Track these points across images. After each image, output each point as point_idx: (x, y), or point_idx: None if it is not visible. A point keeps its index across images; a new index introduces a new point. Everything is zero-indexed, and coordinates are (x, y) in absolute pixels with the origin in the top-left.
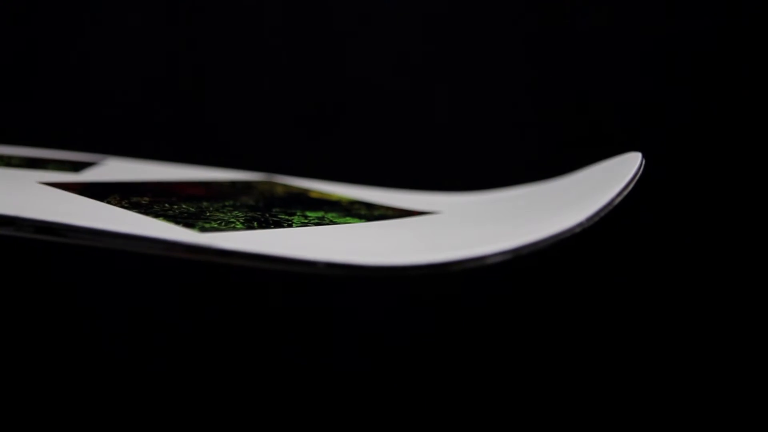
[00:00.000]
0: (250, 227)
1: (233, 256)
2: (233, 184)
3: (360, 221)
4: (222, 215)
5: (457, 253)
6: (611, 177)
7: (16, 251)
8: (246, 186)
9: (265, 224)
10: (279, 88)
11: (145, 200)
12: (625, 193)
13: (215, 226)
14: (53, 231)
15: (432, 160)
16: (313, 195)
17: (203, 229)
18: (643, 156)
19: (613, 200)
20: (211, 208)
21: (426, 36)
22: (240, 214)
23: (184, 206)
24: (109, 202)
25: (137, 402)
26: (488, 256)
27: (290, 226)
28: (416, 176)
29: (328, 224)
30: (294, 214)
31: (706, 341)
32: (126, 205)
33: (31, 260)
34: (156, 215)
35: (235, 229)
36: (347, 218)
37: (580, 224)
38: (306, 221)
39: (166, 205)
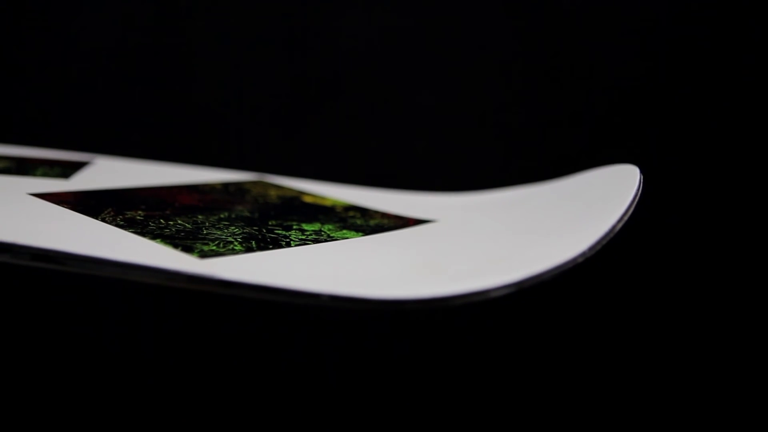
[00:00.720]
0: (249, 248)
1: (236, 287)
2: (226, 188)
3: (357, 235)
4: (219, 233)
5: (461, 287)
6: (610, 196)
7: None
8: (238, 190)
9: (263, 243)
10: (264, 81)
11: (140, 215)
12: (626, 218)
13: (214, 248)
14: (51, 259)
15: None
16: (306, 199)
17: (202, 253)
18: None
19: (614, 227)
20: (207, 224)
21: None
22: (237, 230)
23: (180, 222)
24: (104, 219)
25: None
26: (492, 290)
27: (288, 244)
28: (406, 174)
29: (325, 239)
30: (291, 228)
31: (705, 342)
32: (121, 222)
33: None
34: (153, 236)
35: (234, 251)
36: (344, 231)
37: (583, 254)
38: (304, 237)
39: (161, 221)
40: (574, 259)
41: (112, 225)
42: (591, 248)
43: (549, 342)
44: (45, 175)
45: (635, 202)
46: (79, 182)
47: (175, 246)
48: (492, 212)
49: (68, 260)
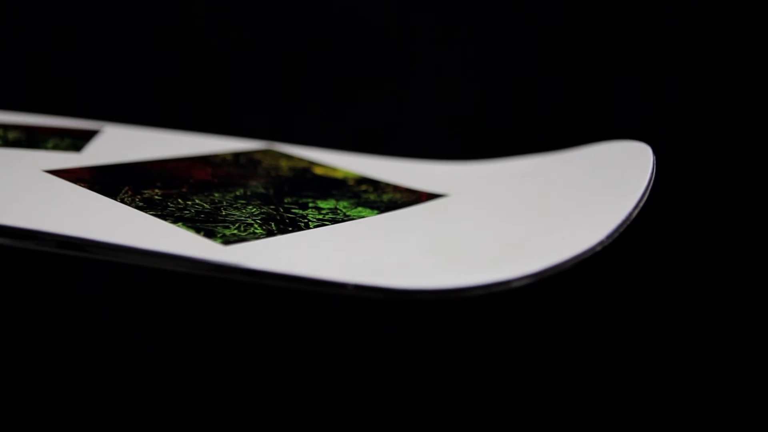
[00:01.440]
0: (270, 231)
1: (262, 275)
2: (237, 160)
3: (372, 213)
4: (237, 213)
5: (482, 278)
6: (625, 177)
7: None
8: (250, 161)
9: (282, 225)
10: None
11: (157, 195)
12: (642, 204)
13: (235, 232)
14: (77, 246)
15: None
16: (317, 171)
17: (225, 239)
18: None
19: (631, 213)
20: (224, 203)
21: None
22: (255, 210)
23: (198, 201)
24: (122, 200)
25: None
26: (513, 280)
27: (307, 225)
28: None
29: (342, 219)
30: (307, 207)
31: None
32: (141, 203)
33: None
34: (174, 219)
35: (255, 234)
36: (359, 209)
37: (601, 243)
38: (321, 217)
39: (180, 201)
40: (593, 248)
41: (132, 206)
42: (609, 236)
43: (558, 333)
44: (56, 147)
45: (651, 185)
46: (91, 156)
47: (197, 231)
48: (503, 186)
49: (94, 248)
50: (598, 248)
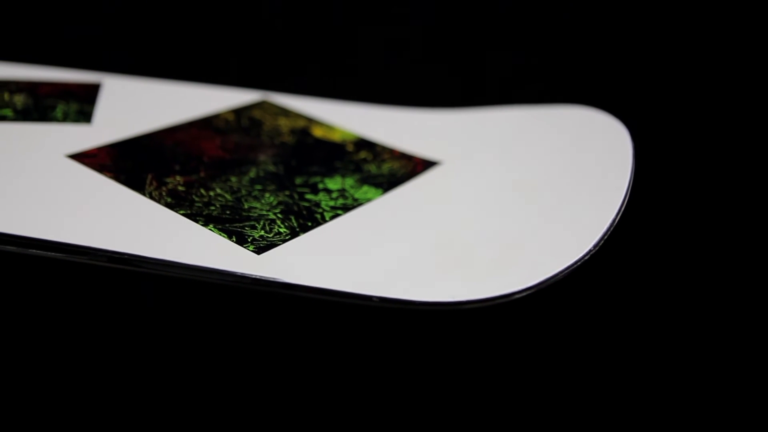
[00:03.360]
0: (292, 229)
1: (296, 288)
2: (239, 122)
3: (377, 193)
4: (258, 206)
5: (489, 291)
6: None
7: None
8: (251, 122)
9: (301, 218)
10: None
11: (180, 185)
12: (623, 209)
13: (263, 234)
14: (127, 261)
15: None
16: (317, 133)
17: (256, 244)
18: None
19: (614, 220)
20: (243, 191)
21: None
22: (272, 199)
23: (219, 192)
24: (151, 195)
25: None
26: (515, 292)
27: (323, 216)
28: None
29: (351, 204)
30: (318, 190)
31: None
32: (168, 199)
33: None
34: (204, 219)
35: (280, 234)
36: (364, 188)
37: (589, 252)
38: (333, 203)
39: (202, 191)
40: (583, 257)
41: (162, 204)
42: (596, 245)
43: (556, 333)
44: (66, 117)
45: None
46: (102, 128)
47: (229, 235)
48: (489, 154)
49: (143, 263)
50: (587, 257)
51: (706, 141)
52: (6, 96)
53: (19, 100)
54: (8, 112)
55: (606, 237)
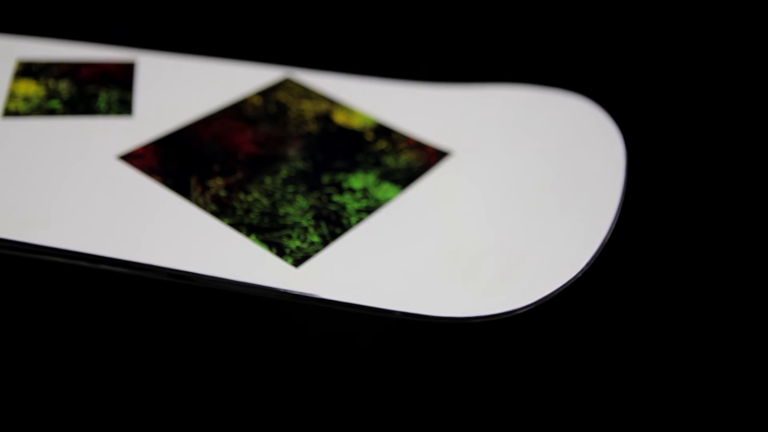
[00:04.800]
0: (323, 237)
1: (332, 303)
2: (265, 107)
3: (395, 191)
4: (292, 211)
5: (495, 307)
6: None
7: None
8: (278, 107)
9: (330, 224)
10: None
11: (221, 190)
12: (612, 228)
13: (299, 244)
14: (186, 278)
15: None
16: (338, 119)
17: (294, 256)
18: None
19: (605, 240)
20: (277, 194)
21: None
22: (304, 203)
23: (256, 197)
24: (197, 201)
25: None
26: (519, 309)
27: (348, 222)
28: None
29: (373, 205)
30: (343, 190)
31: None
32: (212, 205)
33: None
34: (247, 229)
35: (314, 245)
36: (384, 186)
37: (582, 270)
38: (357, 206)
39: (242, 196)
40: (577, 276)
41: (208, 212)
42: (588, 263)
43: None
44: (109, 108)
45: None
46: (142, 121)
47: (270, 247)
48: (498, 146)
49: (200, 279)
50: (580, 275)
51: (702, 138)
52: (51, 83)
53: (64, 88)
54: (56, 104)
55: (593, 260)
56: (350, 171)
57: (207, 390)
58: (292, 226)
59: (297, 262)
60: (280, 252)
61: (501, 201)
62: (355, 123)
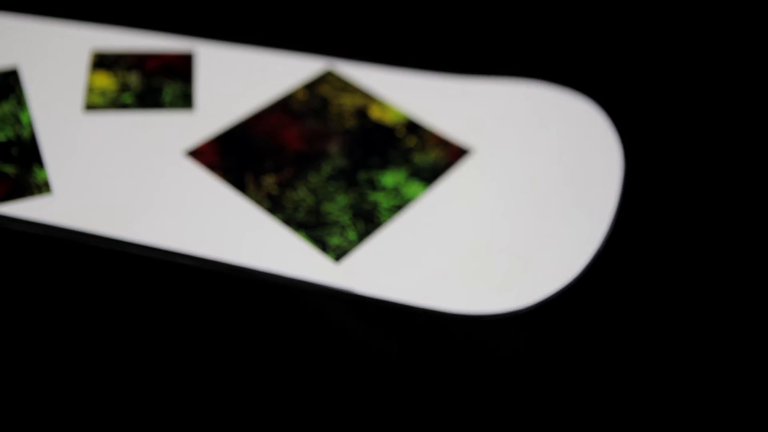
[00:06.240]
0: (360, 233)
1: (365, 299)
2: (309, 102)
3: (421, 188)
4: (333, 209)
5: (502, 305)
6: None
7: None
8: (320, 102)
9: (365, 221)
10: None
11: (273, 188)
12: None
13: (338, 242)
14: (244, 272)
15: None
16: (374, 115)
17: (334, 252)
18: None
19: (605, 240)
20: (320, 193)
21: None
22: (343, 201)
23: (302, 196)
24: (252, 197)
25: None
26: (525, 308)
27: (380, 221)
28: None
29: (401, 203)
30: (375, 186)
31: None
32: (266, 204)
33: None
34: (296, 226)
35: (351, 242)
36: (413, 184)
37: (582, 270)
38: (387, 205)
39: (290, 194)
40: (577, 276)
41: (263, 207)
42: (591, 259)
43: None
44: (173, 102)
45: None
46: (204, 117)
47: (315, 242)
48: (514, 147)
49: (256, 274)
50: (578, 278)
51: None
52: (122, 76)
53: (134, 81)
54: (128, 98)
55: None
56: (383, 167)
57: (261, 375)
58: (333, 224)
59: (337, 258)
60: (324, 248)
61: (513, 200)
62: (388, 118)
